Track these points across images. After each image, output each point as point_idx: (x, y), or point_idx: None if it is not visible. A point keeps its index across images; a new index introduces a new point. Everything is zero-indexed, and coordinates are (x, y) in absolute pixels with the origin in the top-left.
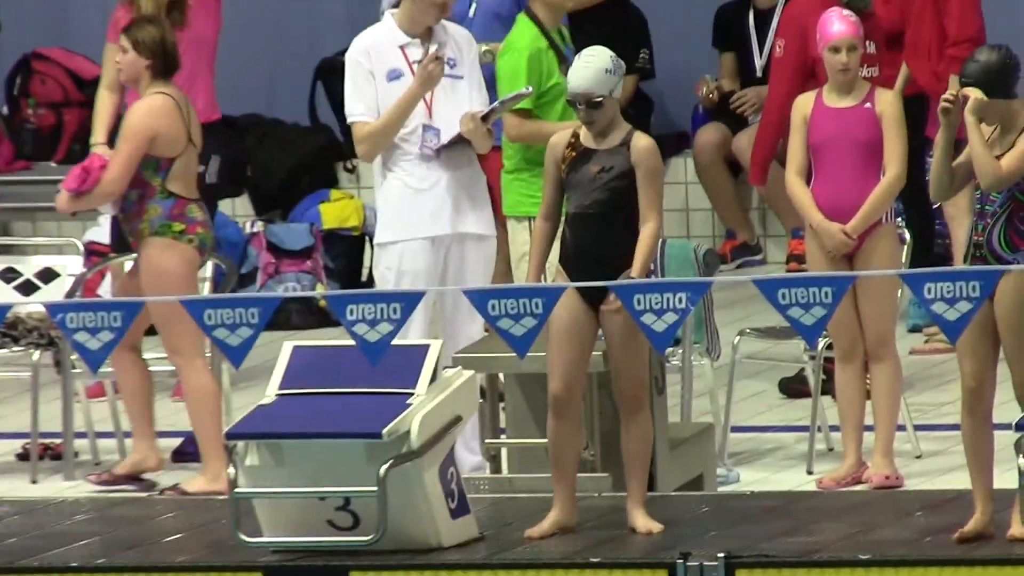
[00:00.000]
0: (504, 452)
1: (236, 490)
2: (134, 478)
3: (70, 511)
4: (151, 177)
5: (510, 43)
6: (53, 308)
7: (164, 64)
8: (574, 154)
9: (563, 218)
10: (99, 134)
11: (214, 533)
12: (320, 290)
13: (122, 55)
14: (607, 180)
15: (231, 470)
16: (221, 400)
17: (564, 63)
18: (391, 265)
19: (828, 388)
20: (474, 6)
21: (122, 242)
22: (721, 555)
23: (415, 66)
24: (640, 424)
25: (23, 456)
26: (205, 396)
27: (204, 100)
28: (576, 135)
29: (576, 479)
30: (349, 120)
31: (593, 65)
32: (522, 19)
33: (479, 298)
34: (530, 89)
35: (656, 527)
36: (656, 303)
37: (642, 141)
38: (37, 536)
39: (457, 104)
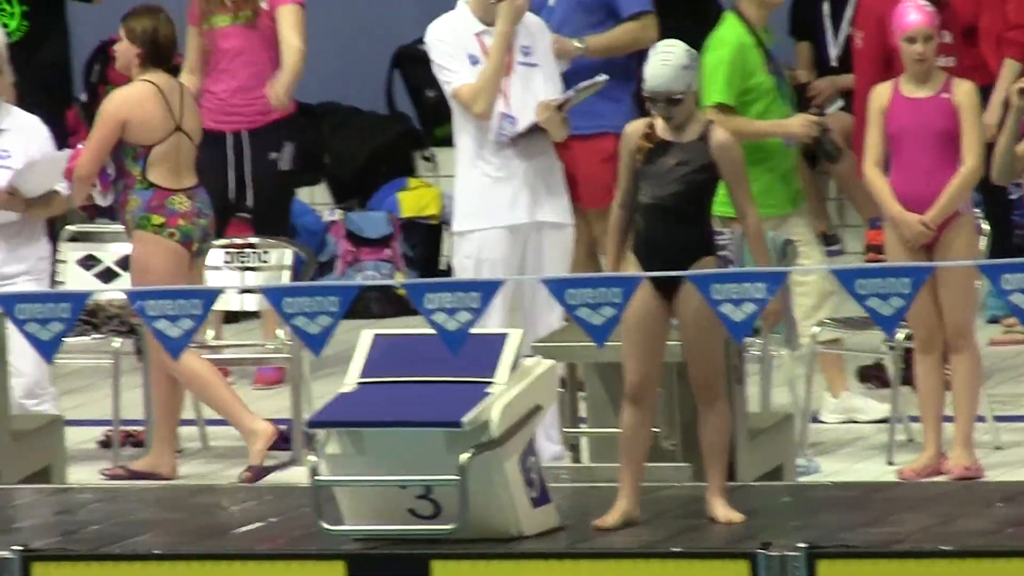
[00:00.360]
0: (584, 441)
1: (317, 478)
2: (146, 477)
3: (152, 498)
4: (131, 166)
5: (716, 39)
6: (133, 296)
7: (155, 53)
8: (650, 145)
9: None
10: None
11: (295, 521)
12: (399, 278)
13: (120, 44)
14: (684, 173)
15: (313, 458)
16: (182, 391)
17: (770, 61)
18: (470, 254)
19: (908, 378)
20: None
21: None
22: (802, 545)
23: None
24: (717, 413)
25: (105, 443)
26: (175, 383)
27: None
28: (651, 125)
29: (644, 470)
30: (452, 88)
31: (671, 63)
32: (729, 17)
33: (557, 287)
34: (605, 77)
35: (736, 517)
36: (734, 292)
37: (720, 135)
38: (119, 523)
39: (533, 92)
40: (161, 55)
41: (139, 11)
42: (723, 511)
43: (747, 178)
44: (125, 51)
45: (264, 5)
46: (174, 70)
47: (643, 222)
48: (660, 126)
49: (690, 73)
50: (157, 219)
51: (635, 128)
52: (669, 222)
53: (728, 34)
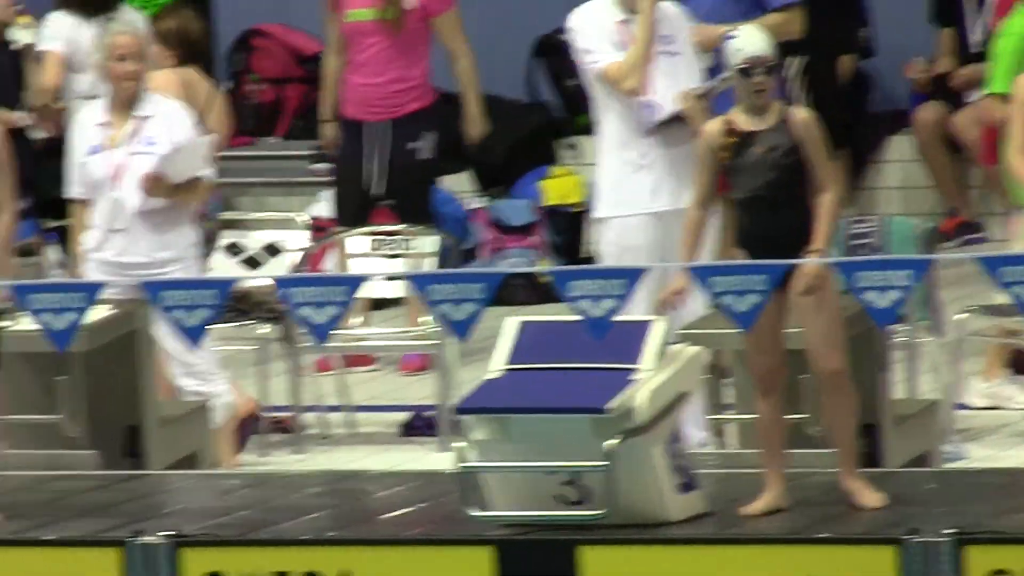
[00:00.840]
0: (730, 427)
1: (464, 464)
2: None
3: (300, 484)
4: None
5: (1004, 28)
6: (280, 282)
7: (188, 52)
8: (734, 139)
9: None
10: (326, 109)
11: (442, 507)
12: (543, 266)
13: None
14: (775, 159)
15: (459, 444)
16: None
17: None
18: (613, 241)
19: None
20: None
21: (347, 217)
22: (950, 531)
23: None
24: (842, 398)
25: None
26: None
27: (419, 80)
28: (729, 121)
29: (786, 457)
30: (599, 68)
31: (760, 31)
32: (1020, 7)
33: (702, 274)
34: None
35: (878, 499)
36: (879, 280)
37: (801, 114)
38: (267, 509)
39: (675, 81)
40: (194, 52)
41: (165, 13)
42: (866, 493)
43: (828, 155)
44: (157, 55)
45: (409, 4)
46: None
47: (744, 216)
48: (740, 119)
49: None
50: None
51: (715, 126)
52: (769, 211)
53: (1015, 24)
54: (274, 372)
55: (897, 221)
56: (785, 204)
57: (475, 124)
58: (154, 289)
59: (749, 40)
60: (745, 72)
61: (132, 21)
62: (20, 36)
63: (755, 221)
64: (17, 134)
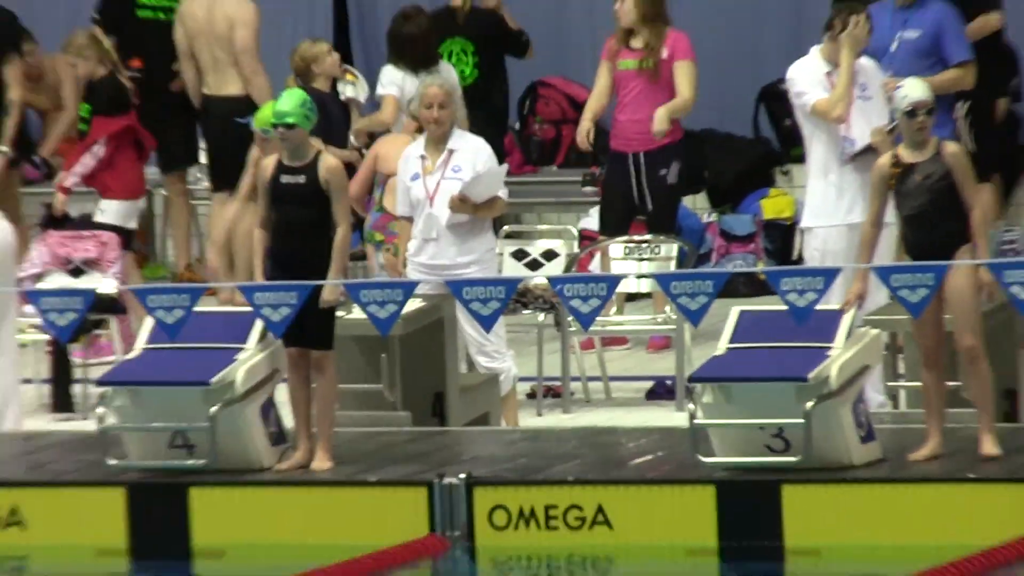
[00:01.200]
0: (902, 393)
1: (696, 421)
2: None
3: (566, 437)
4: (373, 190)
5: None
6: (554, 281)
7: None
8: (899, 170)
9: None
10: (583, 137)
11: (677, 455)
12: (760, 266)
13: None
14: (931, 184)
15: (692, 406)
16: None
17: None
18: (817, 247)
19: None
20: (896, 42)
21: (609, 228)
22: None
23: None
24: (980, 369)
25: (531, 395)
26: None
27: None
28: (896, 155)
29: (943, 415)
30: (810, 104)
31: (921, 81)
32: None
33: (883, 272)
34: None
35: (996, 450)
36: (1023, 277)
37: (951, 147)
38: (541, 457)
39: (867, 120)
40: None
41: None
42: (989, 446)
43: (974, 179)
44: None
45: (664, 55)
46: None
47: (908, 230)
48: (904, 153)
49: None
50: (378, 236)
51: (884, 160)
52: (928, 226)
53: None
54: (548, 350)
55: None
56: (940, 219)
57: (661, 121)
58: (457, 286)
59: (913, 89)
60: (909, 114)
61: (446, 75)
62: (347, 89)
63: (917, 233)
64: (348, 167)
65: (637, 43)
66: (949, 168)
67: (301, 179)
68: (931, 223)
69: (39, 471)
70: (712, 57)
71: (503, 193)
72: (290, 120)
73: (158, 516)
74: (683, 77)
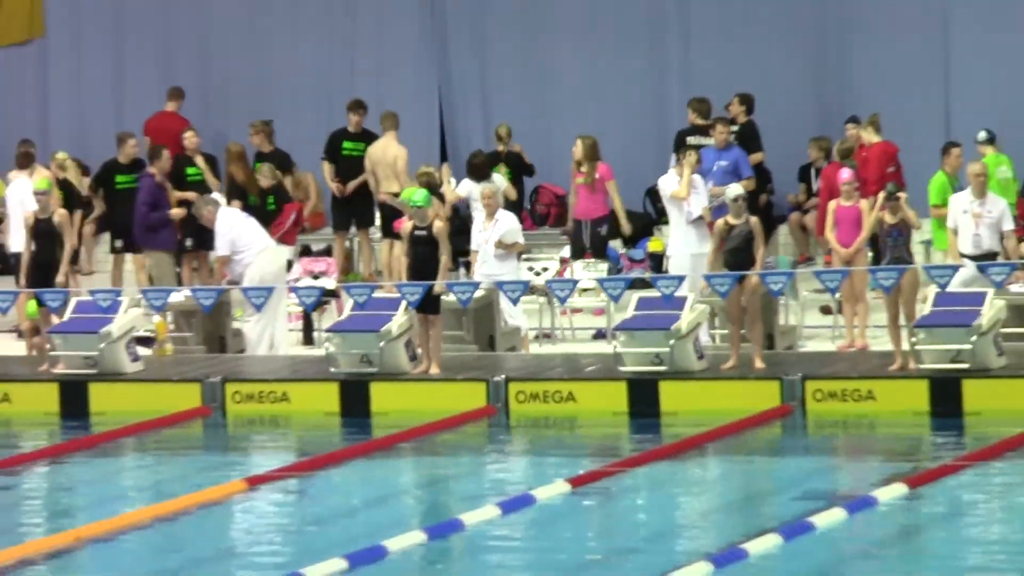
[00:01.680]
0: (716, 336)
1: (617, 349)
2: None
3: (552, 358)
4: None
5: None
6: (548, 282)
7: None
8: (727, 227)
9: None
10: None
11: (607, 366)
12: (647, 275)
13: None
14: (743, 235)
15: (615, 342)
16: None
17: None
18: (674, 265)
19: None
20: (716, 167)
21: (575, 255)
22: None
23: None
24: (756, 322)
25: (536, 337)
26: None
27: None
28: (726, 220)
29: (739, 347)
30: (671, 192)
31: (738, 183)
32: None
33: (709, 278)
34: None
35: (763, 364)
36: None
37: (754, 219)
38: (540, 367)
39: (698, 203)
40: None
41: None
42: (758, 363)
43: (762, 234)
44: None
45: (597, 176)
46: None
47: (728, 256)
48: (729, 219)
49: None
50: None
51: (721, 222)
52: (738, 256)
53: None
54: (544, 315)
55: None
56: (744, 253)
57: (620, 212)
58: (500, 283)
59: (737, 189)
60: (735, 200)
61: (495, 183)
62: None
63: (732, 259)
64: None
65: (584, 168)
66: (751, 228)
67: (425, 232)
68: (740, 254)
69: (297, 374)
70: (622, 173)
71: (521, 240)
72: (421, 204)
73: (356, 396)
74: (611, 189)
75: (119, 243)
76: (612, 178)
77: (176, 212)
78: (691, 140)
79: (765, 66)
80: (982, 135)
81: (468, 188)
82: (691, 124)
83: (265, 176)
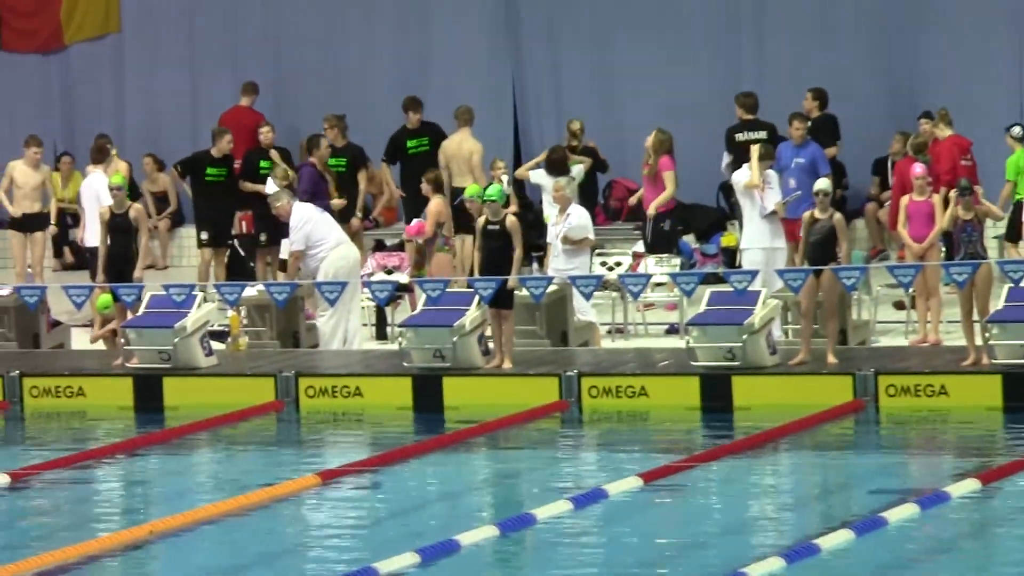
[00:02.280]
0: (789, 331)
1: (689, 344)
2: None
3: (624, 352)
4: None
5: None
6: (620, 276)
7: None
8: (812, 221)
9: None
10: None
11: (679, 361)
12: (720, 269)
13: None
14: (826, 229)
15: (687, 336)
16: None
17: None
18: (747, 259)
19: None
20: (793, 164)
21: (647, 250)
22: None
23: None
24: (833, 317)
25: (608, 332)
26: None
27: None
28: (812, 213)
29: (810, 342)
30: (744, 181)
31: (822, 179)
32: None
33: (782, 273)
34: None
35: (836, 360)
36: None
37: (837, 214)
38: (613, 362)
39: (771, 198)
40: None
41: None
42: (831, 358)
43: (846, 230)
44: None
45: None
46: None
47: (810, 250)
48: (815, 213)
49: None
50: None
51: (807, 215)
52: (820, 249)
53: None
54: (617, 310)
55: None
56: (827, 247)
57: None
58: (573, 278)
59: (824, 183)
60: (817, 195)
61: (569, 176)
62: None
63: (814, 252)
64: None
65: (650, 161)
66: (834, 224)
67: (497, 227)
68: (820, 249)
69: (371, 369)
70: (696, 168)
71: (590, 235)
72: (494, 198)
73: (428, 391)
74: (667, 180)
75: (205, 236)
76: (671, 169)
77: (336, 203)
78: (739, 137)
79: (837, 60)
80: (1017, 131)
81: (539, 179)
82: (739, 120)
83: (279, 177)
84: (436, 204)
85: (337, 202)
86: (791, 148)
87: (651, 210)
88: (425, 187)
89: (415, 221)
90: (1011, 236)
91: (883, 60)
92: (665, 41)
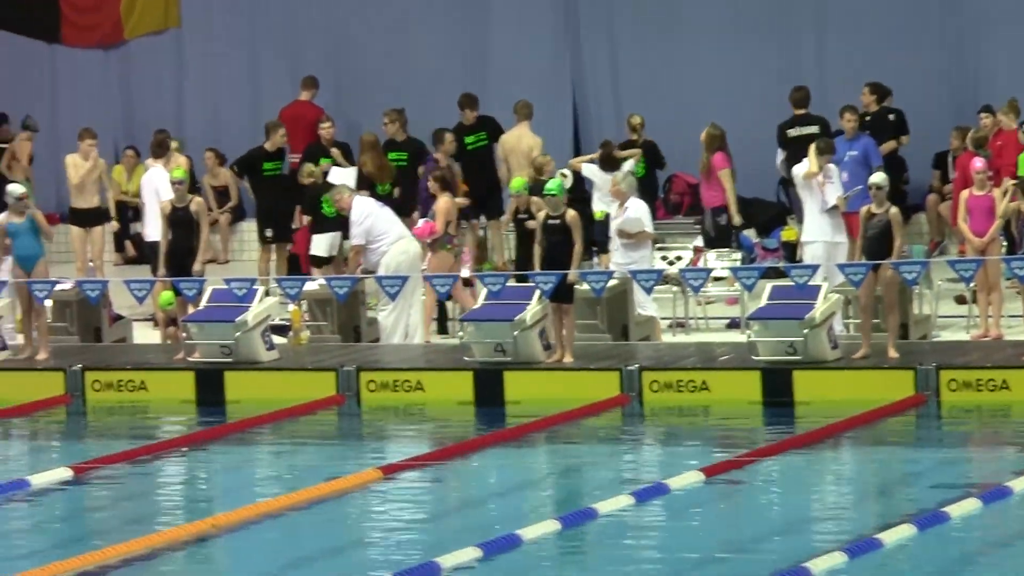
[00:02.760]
0: (849, 326)
1: (751, 338)
2: None
3: (686, 347)
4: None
5: None
6: (681, 270)
7: None
8: (869, 215)
9: None
10: None
11: (740, 355)
12: (781, 264)
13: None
14: (882, 224)
15: (748, 331)
16: None
17: None
18: (808, 252)
19: None
20: (847, 157)
21: (707, 244)
22: None
23: None
24: (893, 312)
25: (669, 326)
26: None
27: None
28: (869, 208)
29: (870, 337)
30: (802, 173)
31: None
32: None
33: (842, 267)
34: None
35: (897, 354)
36: None
37: (893, 208)
38: (674, 356)
39: (832, 192)
40: None
41: None
42: (892, 352)
43: (901, 224)
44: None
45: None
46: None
47: (866, 244)
48: (872, 207)
49: None
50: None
51: (864, 209)
52: (876, 243)
53: None
54: (678, 304)
55: None
56: (882, 241)
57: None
58: (634, 272)
59: (879, 177)
60: (871, 188)
61: (624, 171)
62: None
63: (871, 246)
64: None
65: (703, 157)
66: (890, 218)
67: (558, 221)
68: (877, 243)
69: (432, 363)
70: (756, 163)
71: (649, 228)
72: (554, 192)
73: (489, 385)
74: (723, 178)
75: (270, 233)
76: (726, 167)
77: (461, 201)
78: (791, 132)
79: (898, 55)
80: None
81: (591, 174)
82: (792, 115)
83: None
84: (444, 202)
85: (461, 200)
86: (843, 142)
87: (736, 219)
88: (432, 185)
89: (422, 222)
90: None
91: (942, 54)
92: (724, 35)
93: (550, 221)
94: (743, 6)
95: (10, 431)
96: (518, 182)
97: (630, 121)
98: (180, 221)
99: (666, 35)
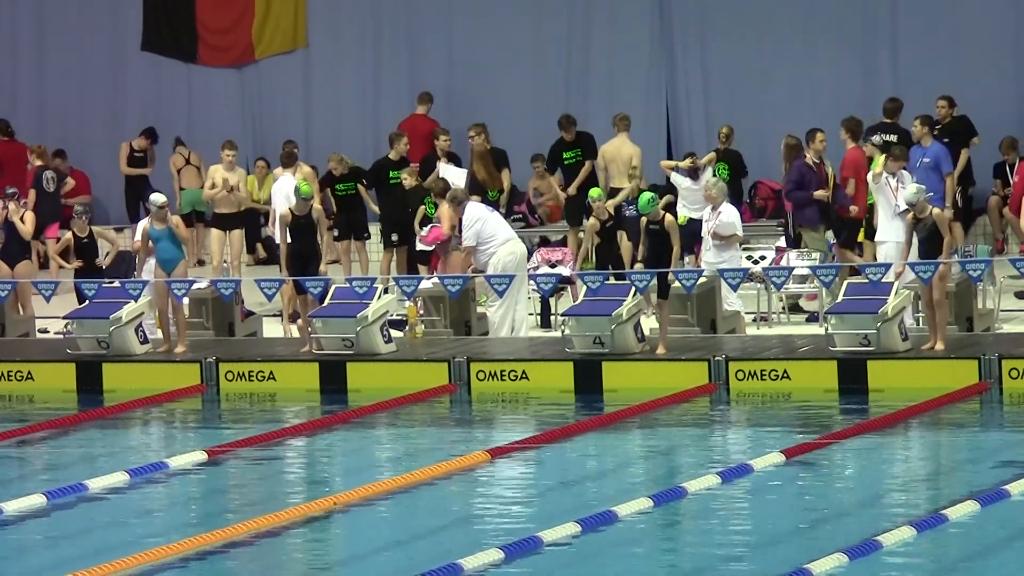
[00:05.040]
0: (920, 319)
1: (829, 331)
2: None
3: (770, 338)
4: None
5: None
6: (765, 269)
7: None
8: (915, 221)
9: None
10: None
11: (819, 346)
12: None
13: None
14: (928, 227)
15: (826, 324)
16: None
17: None
18: (882, 251)
19: None
20: (919, 163)
21: (789, 244)
22: None
23: None
24: (943, 308)
25: (754, 320)
26: None
27: None
28: (915, 215)
29: (936, 331)
30: (871, 177)
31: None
32: None
33: (911, 264)
34: None
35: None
36: None
37: (936, 210)
38: (759, 348)
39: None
40: None
41: None
42: (939, 344)
43: (947, 226)
44: None
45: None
46: None
47: (921, 246)
48: (917, 214)
49: None
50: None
51: (910, 215)
52: (927, 245)
53: None
54: (762, 299)
55: None
56: (933, 243)
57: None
58: (721, 271)
59: (910, 193)
60: (910, 205)
61: (714, 179)
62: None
63: (923, 248)
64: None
65: (783, 167)
66: (935, 220)
67: (657, 226)
68: (927, 244)
69: (536, 354)
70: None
71: (738, 232)
72: (647, 210)
73: (588, 374)
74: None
75: (395, 237)
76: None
77: (819, 193)
78: (874, 139)
79: (969, 66)
80: None
81: (678, 180)
82: (881, 122)
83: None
84: (446, 209)
85: (820, 193)
86: (919, 149)
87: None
88: (435, 195)
89: (428, 229)
90: None
91: (1011, 66)
92: (808, 47)
93: (651, 226)
94: (825, 19)
95: (150, 418)
96: (595, 191)
97: (720, 131)
98: (303, 227)
99: (753, 47)
